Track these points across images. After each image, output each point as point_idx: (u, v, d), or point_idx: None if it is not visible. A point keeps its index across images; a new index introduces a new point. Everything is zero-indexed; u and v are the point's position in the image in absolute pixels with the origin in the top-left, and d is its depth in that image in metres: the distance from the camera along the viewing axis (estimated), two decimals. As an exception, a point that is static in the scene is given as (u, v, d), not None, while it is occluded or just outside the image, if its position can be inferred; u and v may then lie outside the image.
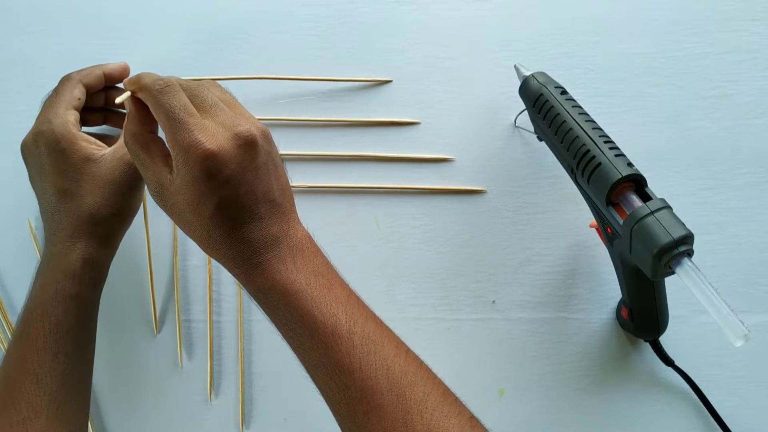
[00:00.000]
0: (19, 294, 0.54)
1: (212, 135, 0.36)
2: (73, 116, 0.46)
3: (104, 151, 0.46)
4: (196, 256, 0.54)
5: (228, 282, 0.54)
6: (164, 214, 0.39)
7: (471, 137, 0.56)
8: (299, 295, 0.37)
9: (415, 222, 0.55)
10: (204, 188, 0.36)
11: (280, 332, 0.38)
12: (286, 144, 0.55)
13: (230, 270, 0.39)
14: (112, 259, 0.47)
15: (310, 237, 0.40)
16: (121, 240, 0.48)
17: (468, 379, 0.53)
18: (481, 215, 0.55)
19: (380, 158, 0.55)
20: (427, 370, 0.37)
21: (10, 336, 0.53)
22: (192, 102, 0.38)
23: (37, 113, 0.47)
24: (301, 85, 0.56)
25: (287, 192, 0.40)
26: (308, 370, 0.38)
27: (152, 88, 0.37)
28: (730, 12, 0.56)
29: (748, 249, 0.54)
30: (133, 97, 0.40)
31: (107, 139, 0.50)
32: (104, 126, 0.53)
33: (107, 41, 0.57)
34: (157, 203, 0.39)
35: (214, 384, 0.53)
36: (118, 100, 0.39)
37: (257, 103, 0.56)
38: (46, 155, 0.45)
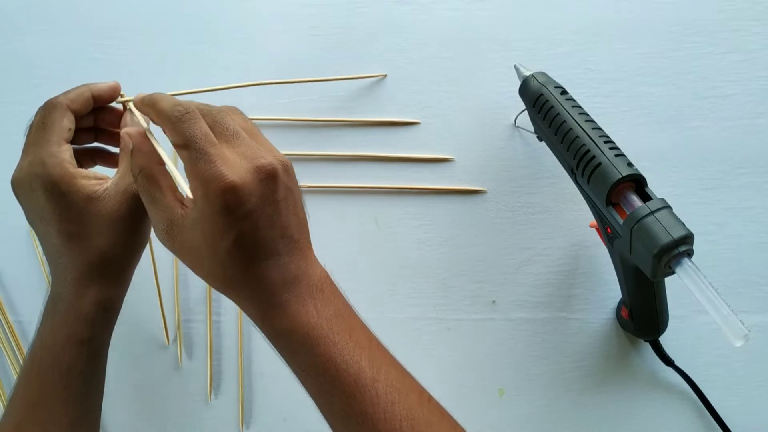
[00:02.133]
0: (19, 294, 0.54)
1: (234, 167, 0.34)
2: (67, 153, 0.42)
3: (106, 184, 0.42)
4: (196, 256, 0.54)
5: (228, 282, 0.54)
6: None
7: (471, 137, 0.56)
8: (321, 340, 0.35)
9: (415, 222, 0.55)
10: (223, 222, 0.34)
11: (297, 377, 0.36)
12: (286, 144, 0.55)
13: (246, 310, 0.37)
14: (125, 294, 0.44)
15: (328, 276, 0.38)
16: (132, 274, 0.44)
17: (468, 379, 0.53)
18: (481, 215, 0.55)
19: (380, 158, 0.55)
20: (450, 419, 0.36)
21: (11, 338, 0.53)
22: (213, 129, 0.36)
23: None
24: (302, 85, 0.56)
25: (304, 228, 0.38)
26: (326, 416, 0.36)
27: (171, 115, 0.36)
28: (730, 12, 0.56)
29: (748, 249, 0.54)
30: (141, 132, 0.38)
31: (99, 155, 0.47)
32: (95, 144, 0.49)
33: (107, 41, 0.57)
34: (164, 241, 0.37)
35: (214, 384, 0.53)
36: (126, 131, 0.38)
37: (257, 104, 0.56)
38: (45, 200, 0.40)
